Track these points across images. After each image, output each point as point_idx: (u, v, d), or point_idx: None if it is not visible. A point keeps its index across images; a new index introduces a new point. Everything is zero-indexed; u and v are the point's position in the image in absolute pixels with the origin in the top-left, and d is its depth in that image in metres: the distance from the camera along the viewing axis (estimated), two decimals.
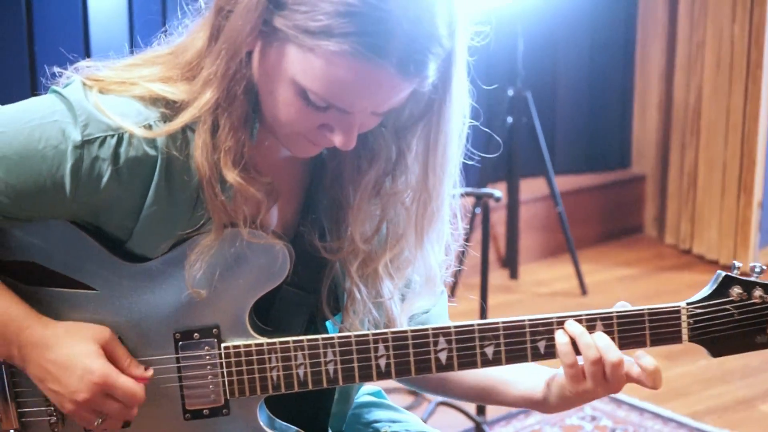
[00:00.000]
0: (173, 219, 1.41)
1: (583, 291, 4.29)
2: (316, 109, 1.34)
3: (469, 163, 1.53)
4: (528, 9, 4.13)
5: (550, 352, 1.46)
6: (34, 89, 2.72)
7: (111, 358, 1.43)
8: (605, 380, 1.44)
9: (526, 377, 1.57)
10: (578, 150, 4.93)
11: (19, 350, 1.41)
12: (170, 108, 1.39)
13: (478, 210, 3.25)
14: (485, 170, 4.13)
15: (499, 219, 4.48)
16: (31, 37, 3.03)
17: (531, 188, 4.59)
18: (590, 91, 4.89)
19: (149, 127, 1.37)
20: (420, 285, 1.53)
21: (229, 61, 1.35)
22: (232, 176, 1.37)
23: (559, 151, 4.84)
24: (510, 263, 4.48)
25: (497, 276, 4.44)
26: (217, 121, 1.37)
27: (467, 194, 3.03)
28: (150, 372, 1.44)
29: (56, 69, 1.47)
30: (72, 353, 1.40)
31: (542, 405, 1.54)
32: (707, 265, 4.60)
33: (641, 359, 1.45)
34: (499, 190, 3.03)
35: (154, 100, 1.39)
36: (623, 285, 4.42)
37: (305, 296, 1.52)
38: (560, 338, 1.44)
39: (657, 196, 4.91)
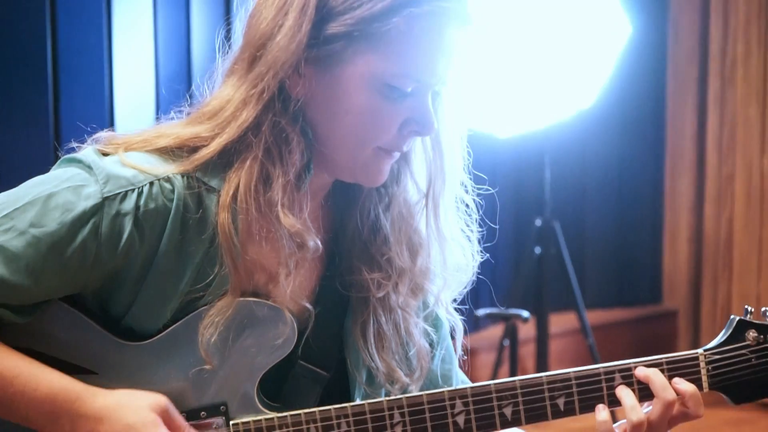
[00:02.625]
0: (180, 273, 1.37)
1: None
2: (397, 105, 1.36)
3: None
4: (555, 139, 4.17)
5: (570, 409, 1.42)
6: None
7: (169, 427, 1.36)
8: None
9: None
10: (608, 284, 4.88)
11: (71, 425, 1.34)
12: (191, 151, 1.38)
13: (507, 342, 3.20)
14: (514, 303, 4.08)
15: (528, 353, 4.40)
16: (57, 114, 3.08)
17: (560, 322, 4.52)
18: (619, 225, 4.88)
19: (167, 179, 1.35)
20: (446, 279, 1.52)
21: (272, 82, 1.34)
22: (289, 222, 1.35)
23: (589, 284, 4.79)
24: None
25: None
26: (267, 170, 1.36)
27: (493, 315, 2.99)
28: None
29: (74, 144, 1.47)
30: (128, 424, 1.33)
31: None
32: None
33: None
34: (526, 311, 2.98)
35: (179, 148, 1.38)
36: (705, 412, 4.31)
37: (319, 373, 1.47)
38: (601, 416, 1.42)
39: (689, 330, 4.82)
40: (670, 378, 1.43)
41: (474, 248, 1.53)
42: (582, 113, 4.17)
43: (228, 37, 1.49)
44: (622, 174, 4.85)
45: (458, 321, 1.55)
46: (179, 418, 1.37)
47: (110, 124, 3.22)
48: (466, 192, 1.52)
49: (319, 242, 1.40)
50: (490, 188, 1.56)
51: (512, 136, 3.77)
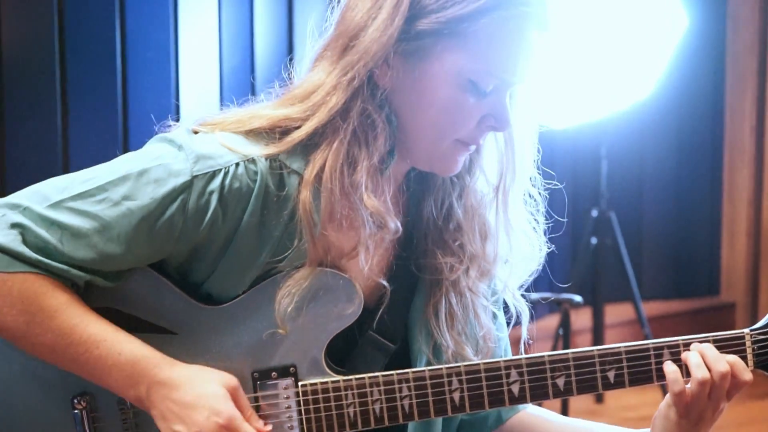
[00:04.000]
0: (259, 247, 1.45)
1: None
2: (478, 101, 1.44)
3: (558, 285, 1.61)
4: (613, 131, 4.20)
5: (620, 381, 1.48)
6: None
7: (236, 406, 1.43)
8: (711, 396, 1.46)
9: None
10: (666, 275, 4.89)
11: (147, 389, 1.42)
12: (283, 133, 1.46)
13: (561, 331, 3.24)
14: (570, 293, 4.11)
15: (584, 342, 4.43)
16: (126, 105, 3.17)
17: (617, 312, 4.54)
18: (677, 216, 4.89)
19: (252, 160, 1.43)
20: (514, 267, 1.59)
21: (363, 70, 1.42)
22: (372, 204, 1.44)
23: (647, 276, 4.81)
24: None
25: (582, 400, 4.36)
26: (353, 153, 1.44)
27: (546, 300, 3.04)
28: (269, 428, 1.46)
29: (170, 122, 1.55)
30: (200, 394, 1.41)
31: None
32: None
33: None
34: (578, 296, 3.03)
35: (271, 129, 1.46)
36: None
37: (386, 344, 1.55)
38: (669, 367, 1.47)
39: (747, 323, 4.79)
40: None
41: (541, 239, 1.61)
42: (640, 106, 4.20)
43: (323, 24, 1.56)
44: (680, 166, 4.86)
45: (525, 307, 1.62)
46: (245, 400, 1.45)
47: (176, 114, 3.31)
48: (534, 186, 1.60)
49: (399, 224, 1.48)
50: (558, 183, 1.64)
51: (569, 127, 3.81)
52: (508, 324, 1.63)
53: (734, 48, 4.84)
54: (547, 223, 1.63)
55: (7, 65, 2.96)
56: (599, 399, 4.37)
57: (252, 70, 3.49)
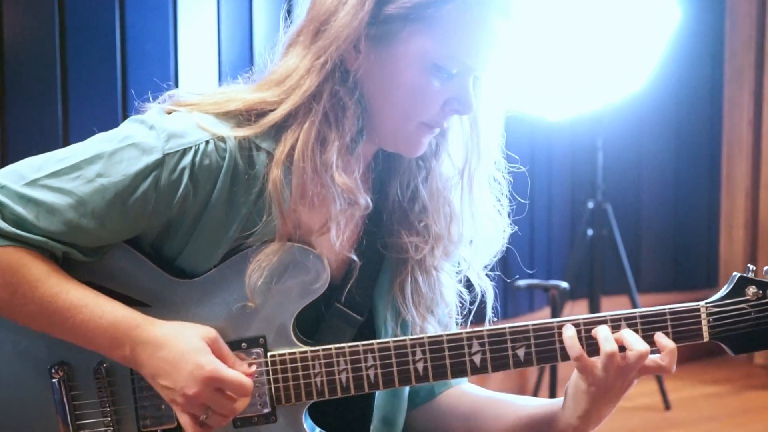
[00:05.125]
0: (229, 221, 1.51)
1: (667, 406, 4.22)
2: (442, 84, 1.49)
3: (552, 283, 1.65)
4: (610, 124, 4.24)
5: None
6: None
7: (217, 356, 1.49)
8: (620, 370, 1.48)
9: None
10: (664, 268, 4.93)
11: (132, 350, 1.48)
12: (259, 115, 1.51)
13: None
14: (568, 288, 4.15)
15: None
16: (125, 96, 3.21)
17: (613, 304, 4.58)
18: (676, 209, 4.93)
19: (222, 139, 1.49)
20: (478, 247, 1.64)
21: (335, 54, 1.47)
22: (343, 181, 1.49)
23: (645, 268, 4.85)
24: None
25: None
26: (324, 133, 1.49)
27: (533, 286, 3.08)
28: (254, 368, 1.52)
29: (150, 95, 1.60)
30: (182, 350, 1.47)
31: (565, 416, 1.57)
32: None
33: (661, 339, 1.50)
34: (566, 282, 3.07)
35: (247, 111, 1.51)
36: (709, 402, 4.34)
37: (353, 317, 1.60)
38: (567, 332, 1.50)
39: None
40: (672, 328, 1.52)
41: (505, 221, 1.66)
42: (638, 99, 4.24)
43: (289, 11, 1.61)
44: (679, 159, 4.89)
45: (489, 287, 1.67)
46: (226, 348, 1.51)
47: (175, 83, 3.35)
48: (499, 171, 1.65)
49: (369, 200, 1.54)
50: (521, 167, 1.68)
51: (562, 119, 3.86)
52: (472, 303, 1.68)
53: (732, 42, 4.88)
54: (524, 214, 1.67)
55: (8, 56, 3.00)
56: None
57: (251, 62, 3.54)
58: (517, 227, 1.69)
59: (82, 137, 1.56)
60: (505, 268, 4.61)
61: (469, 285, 1.69)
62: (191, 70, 3.35)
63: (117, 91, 3.22)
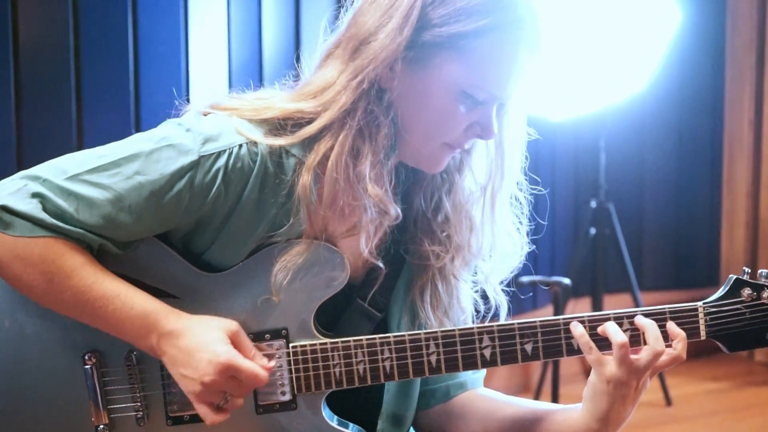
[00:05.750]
0: (256, 221, 1.59)
1: (668, 402, 4.29)
2: (468, 111, 1.57)
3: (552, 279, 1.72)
4: (612, 125, 4.31)
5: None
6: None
7: (238, 348, 1.57)
8: (633, 364, 1.55)
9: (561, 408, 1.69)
10: (666, 266, 4.99)
11: (158, 339, 1.56)
12: (295, 125, 1.58)
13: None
14: (570, 284, 4.22)
15: None
16: (138, 100, 3.26)
17: (615, 303, 4.64)
18: (678, 208, 4.99)
19: (255, 143, 1.56)
20: (496, 262, 1.72)
21: (372, 74, 1.55)
22: (376, 193, 1.57)
23: (647, 267, 4.91)
24: None
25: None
26: (358, 147, 1.57)
27: (535, 283, 3.15)
28: (273, 363, 1.59)
29: (183, 105, 1.68)
30: (202, 340, 1.55)
31: (584, 419, 1.63)
32: None
33: (673, 327, 1.58)
34: (568, 279, 3.14)
35: (284, 120, 1.58)
36: (710, 397, 4.41)
37: (373, 313, 1.68)
38: (577, 330, 1.58)
39: None
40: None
41: (523, 239, 1.73)
42: (641, 100, 4.31)
43: (334, 20, 1.68)
44: (681, 159, 4.95)
45: (504, 301, 1.75)
46: (247, 341, 1.59)
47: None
48: (521, 191, 1.73)
49: (399, 211, 1.62)
50: (542, 189, 1.77)
51: (566, 120, 3.92)
52: (485, 316, 1.75)
53: (733, 44, 4.94)
54: (530, 219, 1.74)
55: (24, 58, 3.06)
56: None
57: (260, 65, 3.59)
58: (534, 246, 1.76)
59: (95, 137, 1.64)
60: None
61: (484, 296, 1.76)
62: (202, 71, 3.41)
63: (129, 92, 3.28)
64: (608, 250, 4.34)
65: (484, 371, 1.79)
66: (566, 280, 3.07)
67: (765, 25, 4.80)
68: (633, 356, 1.55)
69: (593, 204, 4.31)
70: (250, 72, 3.54)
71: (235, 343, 1.57)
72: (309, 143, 1.59)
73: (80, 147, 3.22)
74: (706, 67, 4.95)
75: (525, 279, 3.00)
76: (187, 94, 3.38)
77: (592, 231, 4.31)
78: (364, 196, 1.58)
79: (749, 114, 4.89)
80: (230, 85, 3.51)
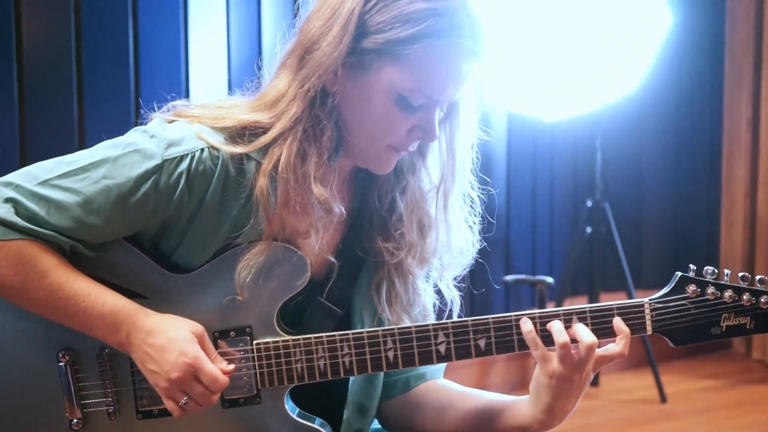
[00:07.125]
0: (220, 222, 1.67)
1: (663, 399, 4.34)
2: (408, 113, 1.64)
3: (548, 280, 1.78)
4: (609, 124, 4.36)
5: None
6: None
7: (202, 349, 1.65)
8: (574, 362, 1.61)
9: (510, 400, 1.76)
10: (665, 266, 5.01)
11: (127, 335, 1.65)
12: (252, 135, 1.66)
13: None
14: (566, 283, 4.28)
15: None
16: (138, 101, 3.33)
17: (611, 301, 4.67)
18: (676, 208, 5.02)
19: (216, 148, 1.65)
20: (450, 259, 1.79)
21: (317, 82, 1.62)
22: (319, 191, 1.64)
23: (646, 266, 4.94)
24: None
25: None
26: (304, 149, 1.65)
27: (521, 281, 3.22)
28: (232, 367, 1.67)
29: (155, 105, 1.76)
30: (171, 338, 1.63)
31: (530, 410, 1.69)
32: None
33: (619, 323, 1.64)
34: (551, 278, 3.20)
35: (242, 129, 1.66)
36: (706, 395, 4.44)
37: (334, 310, 1.76)
38: (525, 326, 1.64)
39: None
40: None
41: (475, 237, 1.81)
42: (638, 99, 4.36)
43: (293, 25, 1.74)
44: (679, 158, 4.98)
45: (456, 296, 1.83)
46: (210, 344, 1.67)
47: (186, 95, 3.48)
48: (472, 189, 1.80)
49: (342, 209, 1.70)
50: (492, 189, 1.84)
51: (558, 120, 3.98)
52: (442, 311, 1.82)
53: (732, 44, 4.97)
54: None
55: (27, 61, 3.14)
56: (594, 382, 4.53)
57: (259, 68, 3.65)
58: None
59: (96, 137, 1.71)
60: (507, 265, 4.73)
61: (439, 292, 1.83)
62: (201, 74, 3.48)
63: (130, 94, 3.34)
64: (604, 249, 4.39)
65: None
66: (549, 279, 3.13)
67: (763, 25, 4.83)
68: (572, 352, 1.62)
69: (589, 203, 4.36)
70: (249, 73, 3.58)
71: (200, 343, 1.65)
72: (265, 149, 1.67)
73: (82, 147, 3.26)
74: (704, 66, 4.98)
75: (509, 278, 3.07)
76: (187, 95, 3.45)
77: (588, 230, 4.36)
78: (310, 195, 1.65)
79: (747, 114, 4.92)
80: (230, 86, 3.57)
